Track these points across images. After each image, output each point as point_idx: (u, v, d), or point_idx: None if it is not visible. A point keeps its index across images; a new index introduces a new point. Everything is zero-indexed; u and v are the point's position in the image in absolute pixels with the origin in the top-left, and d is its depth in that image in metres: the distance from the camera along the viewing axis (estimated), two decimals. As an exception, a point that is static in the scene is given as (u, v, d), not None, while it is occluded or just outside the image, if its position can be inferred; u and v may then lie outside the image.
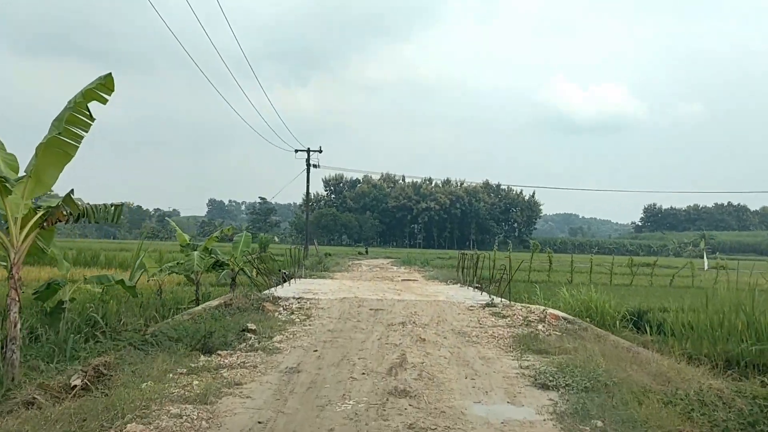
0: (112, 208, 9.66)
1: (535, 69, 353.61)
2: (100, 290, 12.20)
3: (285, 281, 20.51)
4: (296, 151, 51.80)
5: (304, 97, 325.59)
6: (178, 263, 16.75)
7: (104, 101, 8.92)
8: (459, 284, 21.48)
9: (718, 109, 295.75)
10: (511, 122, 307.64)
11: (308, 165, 52.10)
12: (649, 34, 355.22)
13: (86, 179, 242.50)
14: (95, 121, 8.89)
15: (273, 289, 16.54)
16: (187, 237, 19.21)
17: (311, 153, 52.10)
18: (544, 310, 12.27)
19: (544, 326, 11.16)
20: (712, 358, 10.14)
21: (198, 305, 14.63)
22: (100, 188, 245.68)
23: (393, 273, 29.41)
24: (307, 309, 12.66)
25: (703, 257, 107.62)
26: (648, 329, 14.11)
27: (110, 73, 8.77)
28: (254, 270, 20.93)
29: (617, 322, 16.27)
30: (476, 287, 20.02)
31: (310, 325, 10.74)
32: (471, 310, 12.95)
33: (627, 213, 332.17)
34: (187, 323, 9.88)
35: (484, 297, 16.83)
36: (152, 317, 13.53)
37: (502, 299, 15.03)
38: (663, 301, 20.72)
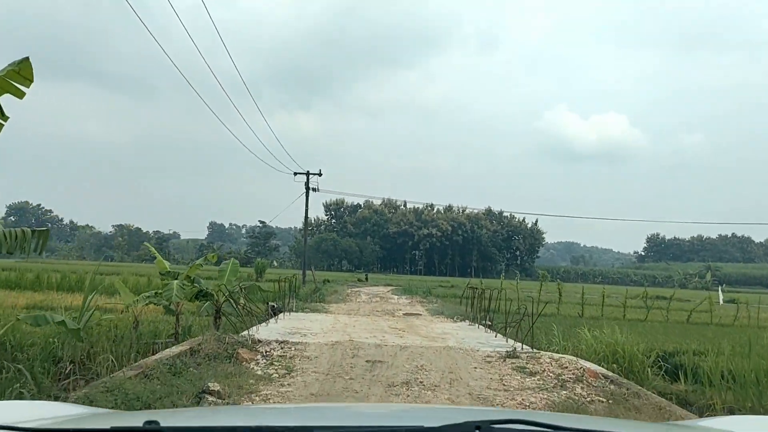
0: (34, 234, 7.47)
1: (536, 97, 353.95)
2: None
3: (274, 315, 18.30)
4: (295, 174, 49.78)
5: (306, 121, 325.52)
6: (156, 293, 14.87)
7: (21, 95, 6.79)
8: (467, 322, 19.19)
9: (718, 140, 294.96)
10: (513, 149, 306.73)
11: (307, 188, 50.03)
12: (649, 65, 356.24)
13: (89, 201, 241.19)
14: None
15: (255, 328, 14.26)
16: (167, 264, 17.16)
17: (311, 176, 50.08)
18: (580, 367, 9.98)
19: (582, 388, 8.89)
20: (758, 413, 8.10)
21: (177, 340, 12.84)
22: (102, 210, 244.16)
23: (394, 305, 27.10)
24: (290, 358, 10.38)
25: (709, 289, 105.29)
26: (683, 377, 12.26)
27: (27, 58, 6.64)
28: (240, 302, 18.77)
29: (647, 369, 14.21)
30: (487, 326, 17.75)
31: (289, 384, 8.45)
32: (489, 361, 10.64)
33: (628, 242, 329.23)
34: (130, 384, 7.62)
35: (499, 340, 14.54)
36: (125, 354, 11.82)
37: (523, 345, 12.74)
38: (685, 340, 18.61)
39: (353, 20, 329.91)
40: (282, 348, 11.28)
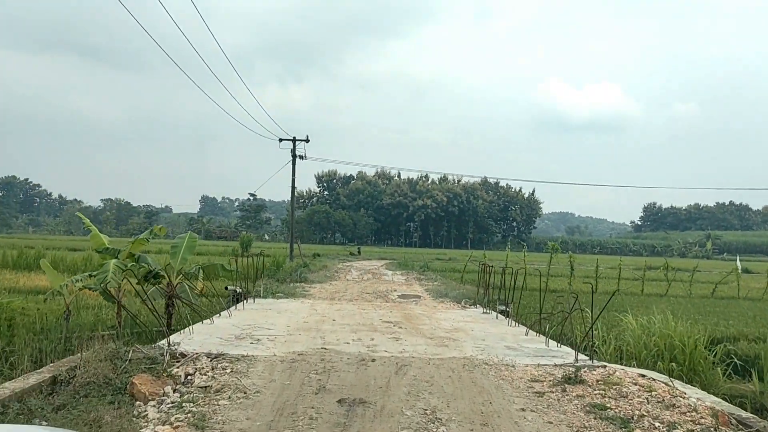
0: None
1: (530, 68, 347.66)
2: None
3: (237, 302, 14.23)
4: (280, 140, 45.40)
5: (298, 94, 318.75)
6: (90, 275, 11.21)
7: None
8: (479, 308, 15.16)
9: (712, 108, 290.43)
10: (507, 121, 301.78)
11: (294, 156, 45.71)
12: (643, 34, 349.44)
13: (77, 175, 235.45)
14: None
15: (189, 330, 10.14)
16: (106, 239, 13.22)
17: (297, 143, 45.74)
18: (695, 405, 5.87)
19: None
20: None
21: (118, 336, 9.45)
22: (91, 184, 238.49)
23: (387, 284, 23.00)
24: (215, 393, 6.25)
25: (710, 258, 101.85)
26: (756, 375, 9.24)
27: None
28: (198, 285, 14.72)
29: (713, 367, 10.46)
30: (505, 314, 13.69)
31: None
32: (540, 393, 6.50)
33: (623, 212, 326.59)
34: None
35: (533, 339, 10.44)
36: (51, 351, 8.70)
37: (577, 356, 8.66)
38: (727, 320, 15.13)
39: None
40: (213, 369, 7.15)
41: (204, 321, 11.25)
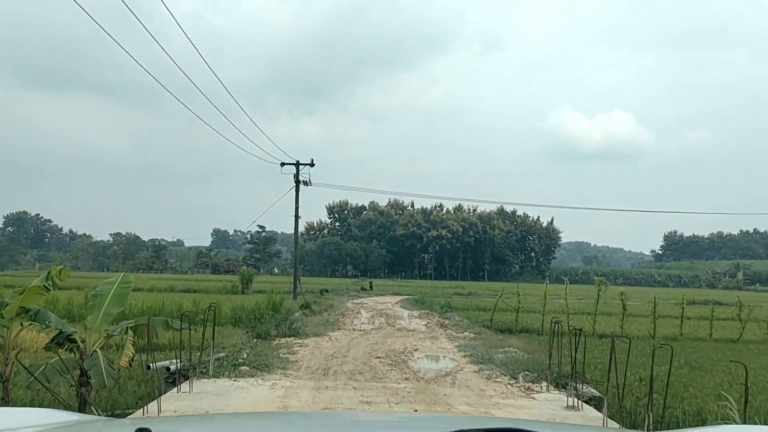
0: None
1: (540, 98, 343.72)
2: None
3: (174, 384, 8.82)
4: (282, 164, 40.29)
5: (309, 126, 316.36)
6: None
7: None
8: (551, 390, 9.52)
9: (724, 136, 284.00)
10: (518, 151, 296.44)
11: (297, 182, 40.60)
12: (652, 63, 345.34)
13: (89, 210, 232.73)
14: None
15: None
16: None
17: (301, 167, 40.68)
18: None
19: None
20: None
21: None
22: (103, 219, 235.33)
23: (405, 336, 17.29)
24: None
25: (741, 289, 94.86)
26: None
27: None
28: (127, 355, 9.28)
29: None
30: (593, 401, 8.10)
31: None
32: None
33: (640, 241, 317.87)
34: None
35: None
36: None
37: None
38: None
39: (355, 23, 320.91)
40: None
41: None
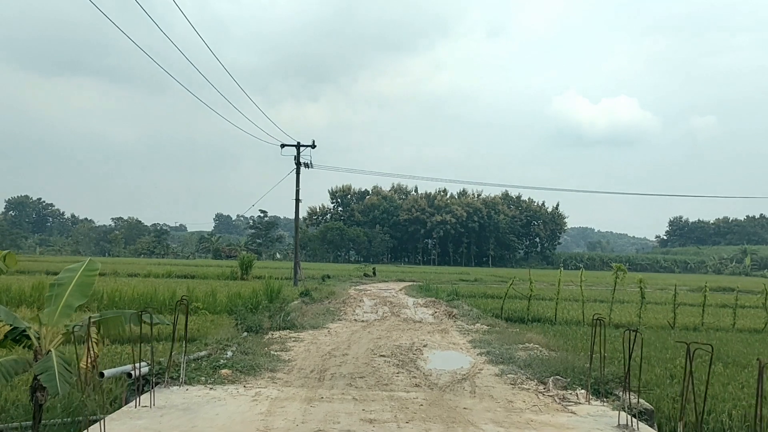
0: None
1: (546, 83, 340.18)
2: None
3: (138, 392, 7.21)
4: (282, 146, 38.58)
5: (314, 112, 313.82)
6: None
7: None
8: (593, 401, 7.85)
9: (731, 121, 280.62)
10: (523, 136, 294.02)
11: (298, 164, 38.87)
12: (660, 49, 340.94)
13: (91, 195, 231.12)
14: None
15: None
16: None
17: (302, 149, 38.96)
18: None
19: None
20: None
21: None
22: (105, 204, 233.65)
23: (412, 328, 15.66)
24: None
25: (749, 275, 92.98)
26: None
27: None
28: (91, 354, 7.67)
29: None
30: (642, 414, 6.45)
31: None
32: None
33: (644, 227, 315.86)
34: None
35: None
36: None
37: None
38: None
39: (360, 8, 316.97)
40: None
41: None
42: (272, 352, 10.97)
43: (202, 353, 9.82)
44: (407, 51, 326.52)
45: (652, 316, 21.27)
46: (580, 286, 22.50)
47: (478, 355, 11.40)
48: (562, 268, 22.78)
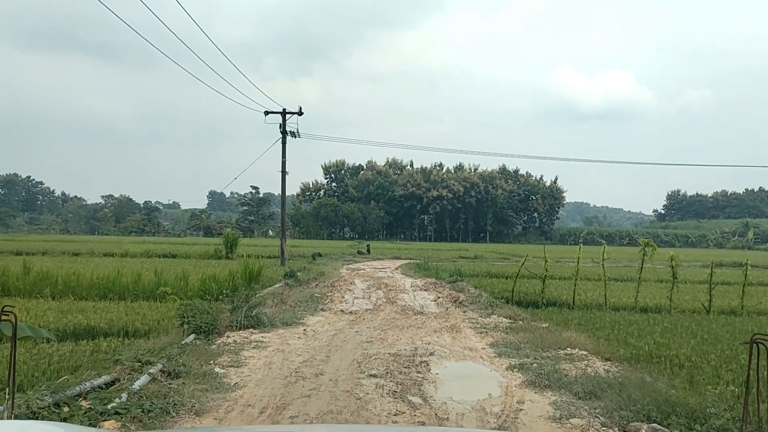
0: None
1: (541, 58, 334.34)
2: None
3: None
4: (266, 113, 34.94)
5: (308, 88, 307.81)
6: None
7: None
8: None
9: (726, 95, 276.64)
10: (519, 111, 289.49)
11: (283, 132, 35.22)
12: (654, 22, 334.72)
13: (82, 172, 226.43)
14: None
15: None
16: None
17: (288, 117, 35.31)
18: None
19: None
20: None
21: None
22: (97, 182, 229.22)
23: (413, 323, 12.23)
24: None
25: (752, 248, 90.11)
26: None
27: None
28: None
29: None
30: None
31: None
32: None
33: (639, 201, 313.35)
34: None
35: None
36: None
37: None
38: None
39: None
40: None
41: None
42: (215, 371, 7.56)
43: (100, 380, 6.39)
44: (401, 25, 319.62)
45: (679, 298, 18.27)
46: (602, 265, 19.19)
47: (507, 370, 8.00)
48: (581, 244, 19.37)
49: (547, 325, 11.85)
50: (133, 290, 15.42)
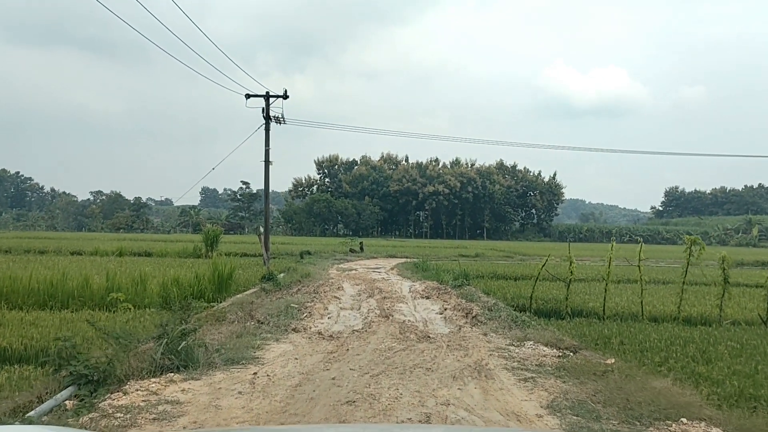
0: None
1: (535, 53, 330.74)
2: None
3: None
4: (248, 96, 30.81)
5: (301, 83, 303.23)
6: None
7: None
8: None
9: (720, 91, 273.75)
10: (513, 107, 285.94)
11: (266, 117, 31.11)
12: (648, 18, 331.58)
13: (72, 169, 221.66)
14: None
15: None
16: None
17: (272, 101, 31.29)
18: None
19: None
20: None
21: None
22: (87, 178, 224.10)
23: (415, 345, 8.42)
24: None
25: (756, 246, 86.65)
26: None
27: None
28: None
29: None
30: None
31: None
32: None
33: (634, 198, 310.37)
34: None
35: None
36: None
37: None
38: None
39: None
40: None
41: None
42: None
43: None
44: (396, 21, 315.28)
45: (707, 303, 15.14)
46: (638, 265, 15.20)
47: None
48: (614, 241, 15.49)
49: (613, 361, 8.05)
50: (79, 297, 12.83)
